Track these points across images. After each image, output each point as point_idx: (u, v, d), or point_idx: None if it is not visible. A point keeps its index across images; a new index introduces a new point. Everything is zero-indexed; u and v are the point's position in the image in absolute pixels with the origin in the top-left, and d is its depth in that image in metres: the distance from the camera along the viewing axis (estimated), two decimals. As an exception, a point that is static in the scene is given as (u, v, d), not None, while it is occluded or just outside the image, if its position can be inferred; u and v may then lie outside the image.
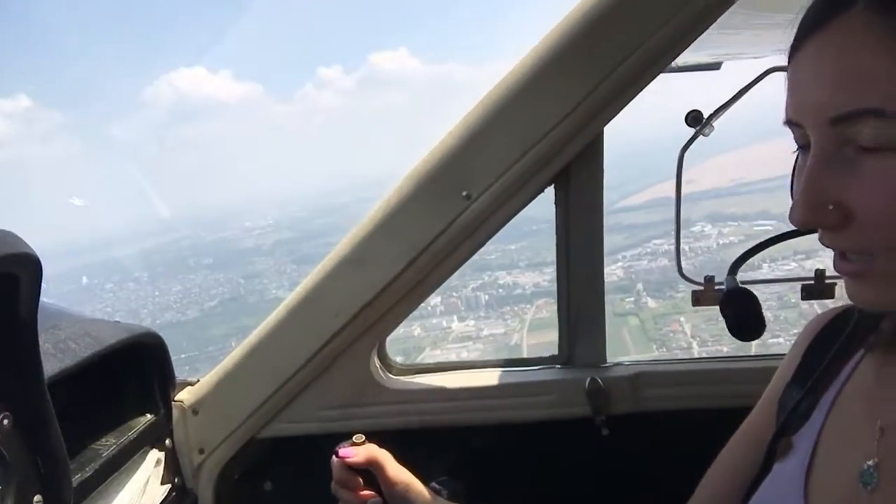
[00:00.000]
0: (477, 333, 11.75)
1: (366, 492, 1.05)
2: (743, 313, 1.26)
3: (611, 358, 1.57)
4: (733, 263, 1.33)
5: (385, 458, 1.05)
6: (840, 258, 0.66)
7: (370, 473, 1.05)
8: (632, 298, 11.40)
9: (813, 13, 0.63)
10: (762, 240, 1.31)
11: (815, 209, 0.63)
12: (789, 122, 0.67)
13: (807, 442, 0.79)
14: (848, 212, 0.61)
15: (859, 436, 0.74)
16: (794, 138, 0.68)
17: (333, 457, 1.05)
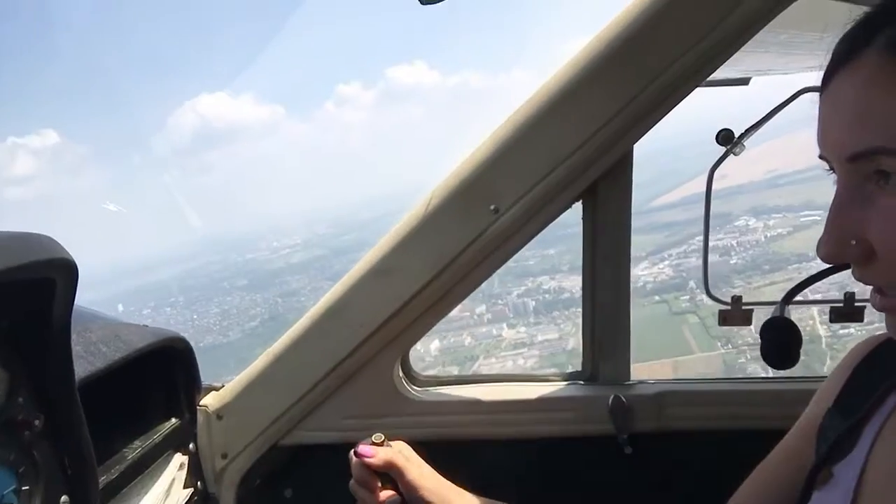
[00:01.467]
0: (530, 340, 11.70)
1: (385, 492, 1.03)
2: (780, 343, 1.25)
3: (634, 376, 1.56)
4: (787, 294, 1.30)
5: (405, 462, 1.04)
6: (876, 292, 0.66)
7: (390, 475, 1.04)
8: (687, 296, 11.30)
9: (836, 52, 0.65)
10: (820, 270, 1.29)
11: (838, 244, 0.64)
12: (821, 157, 0.68)
13: (850, 474, 0.78)
14: (870, 247, 0.62)
15: None
16: (828, 168, 0.68)
17: (352, 455, 1.05)
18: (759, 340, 1.26)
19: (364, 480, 1.04)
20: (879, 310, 0.67)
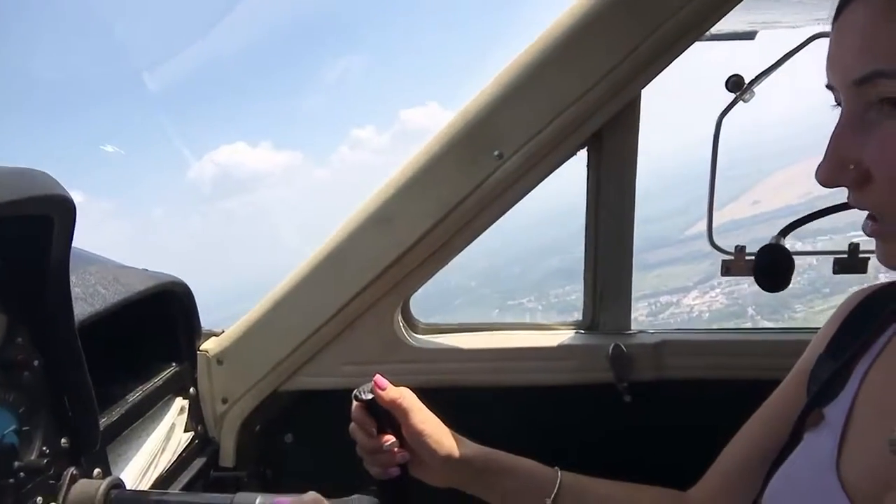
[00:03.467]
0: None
1: (386, 436, 1.02)
2: (773, 265, 1.28)
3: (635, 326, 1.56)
4: (784, 227, 1.33)
5: (410, 404, 1.03)
6: (869, 219, 0.68)
7: (391, 416, 1.03)
8: (748, 324, 11.12)
9: None
10: (818, 209, 1.30)
11: (836, 168, 0.66)
12: (828, 86, 0.69)
13: (838, 413, 0.78)
14: (867, 171, 0.64)
15: (891, 405, 0.74)
16: (834, 100, 0.70)
17: (353, 397, 1.03)
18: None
19: (363, 423, 1.04)
20: (870, 235, 0.69)
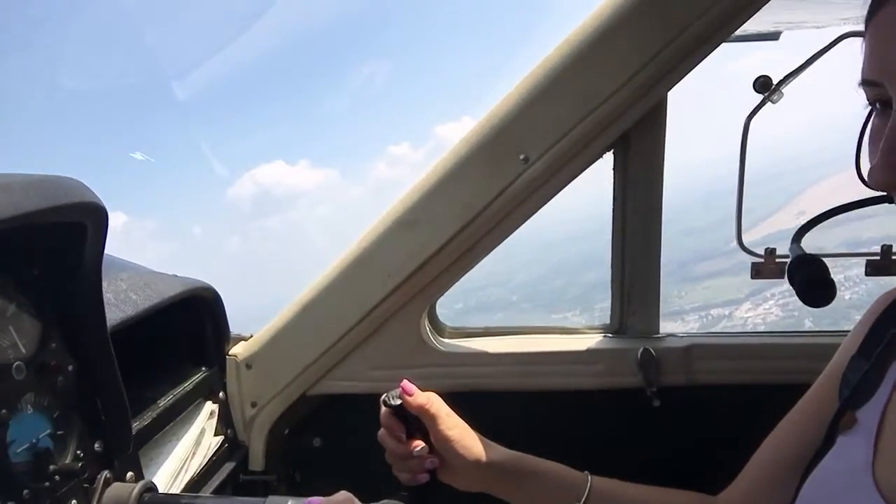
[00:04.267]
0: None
1: (415, 441, 1.03)
2: (812, 280, 1.22)
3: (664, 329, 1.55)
4: (797, 231, 1.29)
5: (438, 410, 1.03)
6: None
7: (419, 422, 1.03)
8: None
9: None
10: (829, 208, 1.27)
11: (895, 169, 0.62)
12: (866, 82, 0.65)
13: (872, 416, 0.77)
14: None
15: None
16: (868, 98, 0.67)
17: (382, 403, 1.04)
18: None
19: (392, 428, 1.04)
20: None
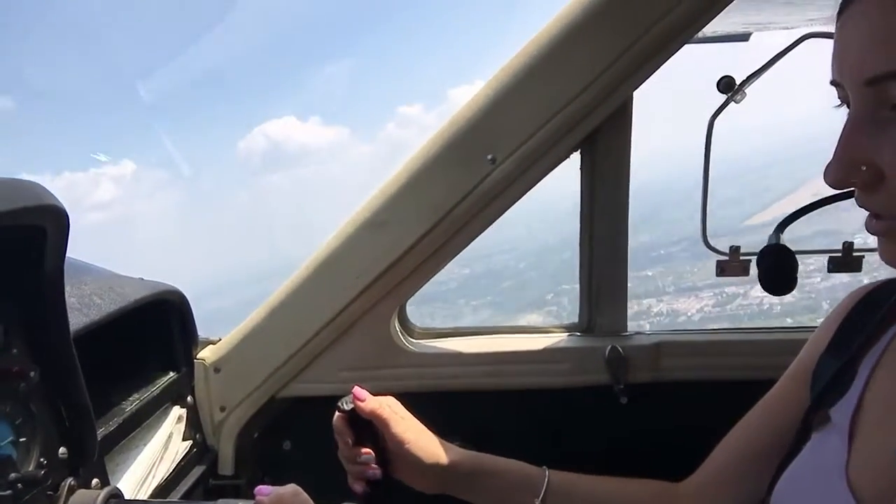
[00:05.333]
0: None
1: (362, 449, 1.03)
2: (777, 268, 1.25)
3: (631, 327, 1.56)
4: (781, 222, 1.31)
5: (391, 414, 1.03)
6: (872, 217, 0.66)
7: (374, 428, 1.03)
8: (821, 319, 10.80)
9: None
10: (811, 201, 1.29)
11: (847, 169, 0.63)
12: (833, 82, 0.67)
13: (845, 415, 0.78)
14: (879, 172, 0.62)
15: None
16: (839, 97, 0.68)
17: (336, 410, 1.03)
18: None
19: (341, 433, 1.04)
20: (873, 233, 0.67)
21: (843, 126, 0.65)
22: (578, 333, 1.58)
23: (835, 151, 0.64)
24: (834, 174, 0.64)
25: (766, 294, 1.29)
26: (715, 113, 1.43)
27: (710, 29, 1.35)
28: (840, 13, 0.65)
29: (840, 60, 0.65)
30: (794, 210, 1.31)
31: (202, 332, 1.56)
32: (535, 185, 1.39)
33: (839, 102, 0.68)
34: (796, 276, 1.25)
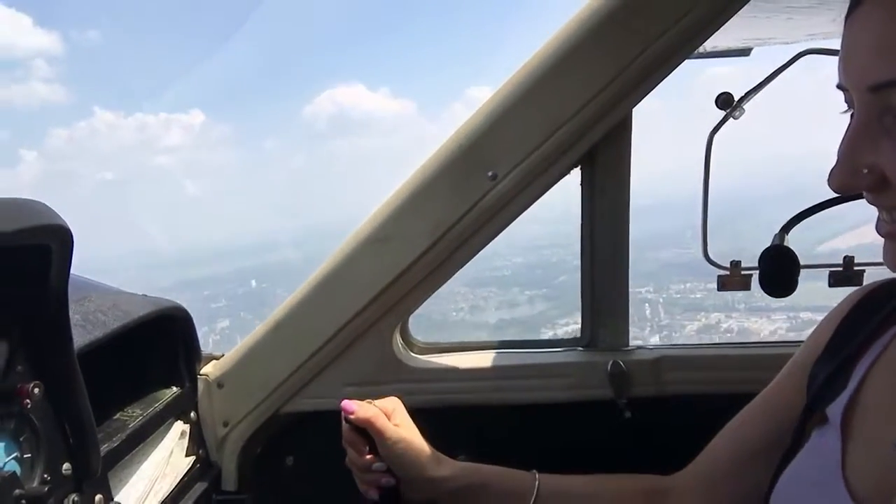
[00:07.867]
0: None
1: (369, 456, 1.04)
2: (778, 270, 1.25)
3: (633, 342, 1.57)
4: (787, 222, 1.31)
5: (385, 424, 1.04)
6: (882, 219, 0.67)
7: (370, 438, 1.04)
8: None
9: None
10: (822, 200, 1.28)
11: (850, 173, 0.64)
12: (839, 86, 0.67)
13: (839, 413, 0.79)
14: (881, 175, 0.63)
15: (893, 406, 0.74)
16: (845, 101, 0.68)
17: (343, 420, 1.06)
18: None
19: (351, 441, 1.05)
20: (884, 235, 0.67)
21: (845, 130, 0.66)
22: (580, 348, 1.59)
23: (837, 156, 0.65)
24: (837, 178, 0.65)
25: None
26: (714, 129, 1.44)
27: (710, 44, 1.36)
28: (846, 19, 0.65)
29: (845, 64, 0.65)
30: (800, 211, 1.30)
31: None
32: (535, 200, 1.40)
33: (846, 108, 0.69)
34: (797, 280, 1.25)
